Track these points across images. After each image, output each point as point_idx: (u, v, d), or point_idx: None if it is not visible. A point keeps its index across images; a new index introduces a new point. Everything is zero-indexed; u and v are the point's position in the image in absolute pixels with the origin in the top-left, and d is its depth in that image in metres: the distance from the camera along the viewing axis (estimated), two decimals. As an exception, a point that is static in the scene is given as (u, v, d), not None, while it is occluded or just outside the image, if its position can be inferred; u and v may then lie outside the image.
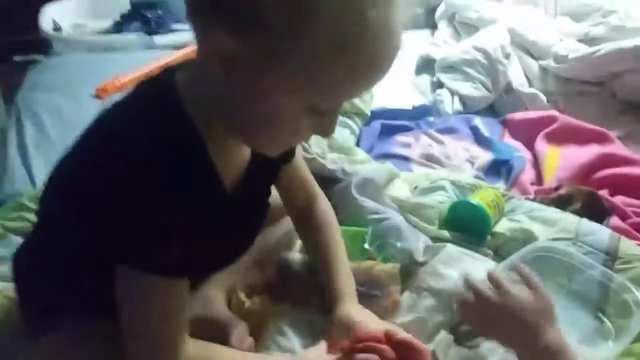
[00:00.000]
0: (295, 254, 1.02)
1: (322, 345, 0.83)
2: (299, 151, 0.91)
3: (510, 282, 0.64)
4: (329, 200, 1.17)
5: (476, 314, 0.63)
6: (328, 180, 1.21)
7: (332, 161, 1.23)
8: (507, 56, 1.88)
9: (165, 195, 0.60)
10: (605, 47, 1.69)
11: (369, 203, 1.13)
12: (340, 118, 1.57)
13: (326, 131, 0.66)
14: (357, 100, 1.64)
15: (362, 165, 1.26)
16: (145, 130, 0.62)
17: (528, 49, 1.94)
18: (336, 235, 0.93)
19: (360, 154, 1.35)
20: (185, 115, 0.63)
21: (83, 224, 0.66)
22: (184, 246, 0.62)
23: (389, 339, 0.80)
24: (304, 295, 0.95)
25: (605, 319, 0.92)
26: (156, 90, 0.66)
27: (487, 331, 0.64)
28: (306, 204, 0.94)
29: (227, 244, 0.77)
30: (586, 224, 1.06)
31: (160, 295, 0.64)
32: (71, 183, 0.69)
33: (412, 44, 2.20)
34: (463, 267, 0.97)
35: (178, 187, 0.60)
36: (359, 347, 0.79)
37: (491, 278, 0.66)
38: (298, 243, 1.04)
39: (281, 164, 0.85)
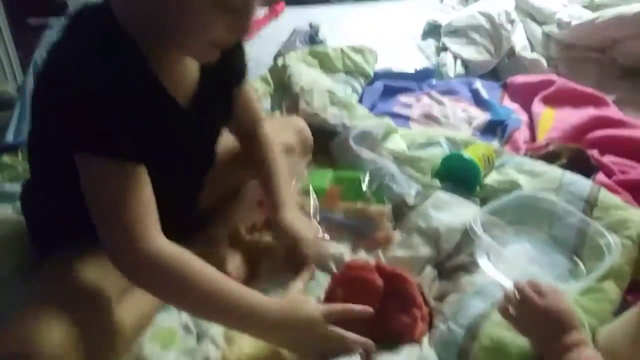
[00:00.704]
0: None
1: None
2: (250, 88, 0.97)
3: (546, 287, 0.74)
4: (329, 152, 1.26)
5: (518, 313, 0.73)
6: (328, 134, 1.28)
7: (333, 115, 1.30)
8: (511, 22, 1.91)
9: (104, 85, 0.66)
10: (606, 14, 1.71)
11: (366, 153, 1.20)
12: (343, 76, 1.64)
13: (242, 30, 0.72)
14: (360, 60, 1.69)
15: (362, 120, 1.32)
16: (84, 39, 0.69)
17: (533, 15, 1.96)
18: (277, 153, 1.00)
19: (361, 110, 1.41)
20: (115, 22, 0.70)
21: (50, 135, 0.73)
22: (130, 133, 0.68)
23: (378, 269, 0.88)
24: (280, 249, 1.01)
25: (579, 262, 0.99)
26: (93, 10, 0.73)
27: (525, 328, 0.73)
28: (251, 127, 0.99)
29: (188, 156, 0.84)
30: (569, 176, 1.12)
31: (116, 180, 0.69)
32: (34, 101, 0.77)
33: (420, 10, 2.24)
34: (451, 210, 1.05)
35: (114, 77, 0.67)
36: (351, 276, 0.87)
37: (531, 284, 0.75)
38: (296, 186, 1.11)
39: (232, 85, 0.91)
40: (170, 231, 0.73)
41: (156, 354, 0.79)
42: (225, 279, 0.75)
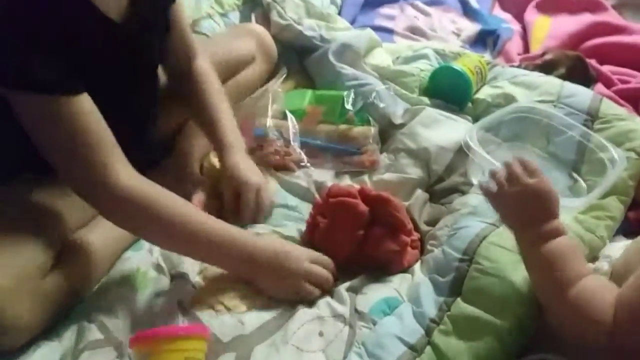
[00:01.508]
0: (270, 120, 0.99)
1: None
2: (183, 12, 0.88)
3: (523, 172, 0.65)
4: (306, 70, 1.15)
5: (501, 190, 0.65)
6: (304, 49, 1.16)
7: (309, 27, 1.17)
8: None
9: (26, 14, 0.60)
10: None
11: (347, 70, 1.09)
12: (322, -14, 1.48)
13: None
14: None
15: (342, 33, 1.19)
16: None
17: None
18: (214, 90, 0.91)
19: (340, 22, 1.28)
20: None
21: None
22: (61, 61, 0.62)
23: (362, 194, 0.80)
24: (279, 160, 0.95)
25: (579, 178, 0.93)
26: None
27: (505, 208, 0.66)
28: (186, 63, 0.90)
29: (131, 78, 0.77)
30: (569, 87, 1.03)
31: (58, 115, 0.64)
32: None
33: None
34: (441, 128, 0.96)
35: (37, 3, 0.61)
36: (333, 202, 0.79)
37: (521, 162, 0.66)
38: (273, 108, 1.01)
39: (165, 4, 0.83)
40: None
41: (125, 298, 0.72)
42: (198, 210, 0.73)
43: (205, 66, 0.92)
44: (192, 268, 0.76)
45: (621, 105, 1.07)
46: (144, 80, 0.82)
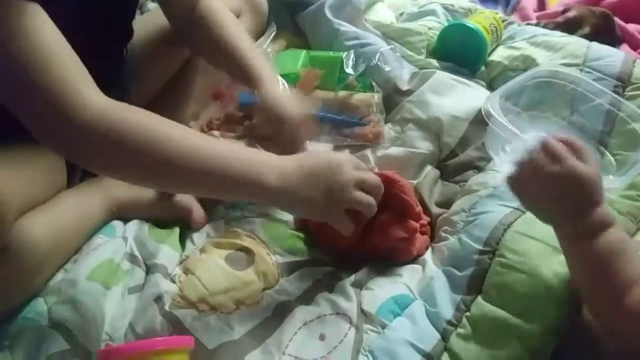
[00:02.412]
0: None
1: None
2: None
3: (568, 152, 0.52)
4: (299, 28, 1.02)
5: (535, 176, 0.52)
6: (296, 3, 1.03)
7: (302, -21, 1.04)
8: None
9: None
10: None
11: (346, 27, 0.97)
12: None
13: None
14: None
15: (339, -15, 1.06)
16: None
17: None
18: (232, 24, 0.79)
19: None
20: None
21: None
22: None
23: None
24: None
25: (606, 152, 0.83)
26: None
27: (540, 197, 0.53)
28: (188, 6, 0.77)
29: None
30: (596, 48, 0.93)
31: (7, 20, 0.49)
32: None
33: None
34: (454, 95, 0.85)
35: None
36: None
37: (563, 140, 0.53)
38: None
39: None
40: None
41: (96, 296, 0.62)
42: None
43: (215, 3, 0.79)
44: (172, 258, 0.66)
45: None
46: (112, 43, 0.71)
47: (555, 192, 0.52)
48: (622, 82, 0.87)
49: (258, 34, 0.98)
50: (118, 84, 0.75)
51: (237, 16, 0.90)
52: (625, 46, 1.06)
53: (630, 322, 0.48)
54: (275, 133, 0.74)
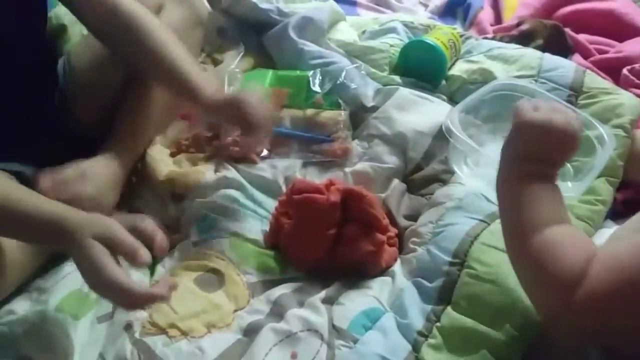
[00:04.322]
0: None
1: None
2: None
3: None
4: (263, 48, 1.03)
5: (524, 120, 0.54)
6: (260, 24, 1.04)
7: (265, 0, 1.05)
8: None
9: None
10: None
11: (310, 47, 0.98)
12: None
13: None
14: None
15: (302, 5, 1.08)
16: None
17: None
18: (154, 26, 0.73)
19: (298, -7, 1.16)
20: None
21: None
22: None
23: (331, 188, 0.71)
24: (238, 152, 0.84)
25: (564, 159, 0.86)
26: None
27: (517, 140, 0.54)
28: (107, 8, 0.71)
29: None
30: (549, 59, 0.96)
31: None
32: None
33: None
34: (417, 110, 0.87)
35: None
36: (297, 199, 0.70)
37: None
38: (229, 91, 0.90)
39: None
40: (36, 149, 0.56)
41: (65, 328, 0.61)
42: None
43: (132, 5, 0.73)
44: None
45: (602, 78, 1.01)
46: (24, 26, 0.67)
47: (538, 132, 0.52)
48: (574, 92, 0.90)
49: (189, 27, 0.89)
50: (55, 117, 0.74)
51: (159, 10, 0.84)
52: (577, 56, 1.11)
53: (530, 263, 0.47)
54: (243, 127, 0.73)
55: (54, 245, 0.60)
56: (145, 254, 0.55)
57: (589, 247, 0.47)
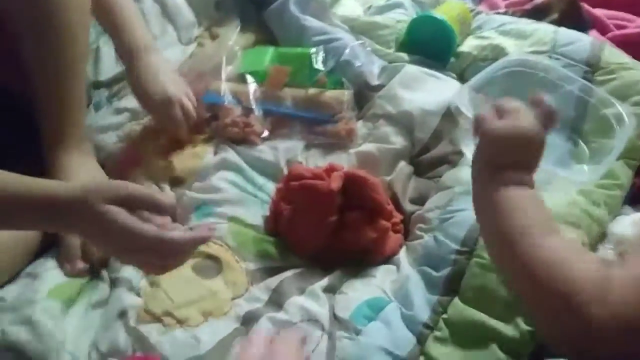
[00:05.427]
0: (225, 84, 0.85)
1: None
2: None
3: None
4: (264, 24, 0.99)
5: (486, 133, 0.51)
6: (261, 1, 1.00)
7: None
8: None
9: None
10: None
11: (313, 22, 0.94)
12: None
13: None
14: None
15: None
16: None
17: None
18: None
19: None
20: None
21: None
22: None
23: (331, 172, 0.67)
24: (238, 133, 0.81)
25: (579, 140, 0.82)
26: None
27: (485, 151, 0.51)
28: None
29: None
30: (564, 34, 0.91)
31: None
32: None
33: None
34: (424, 88, 0.83)
35: None
36: (295, 185, 0.67)
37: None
38: (227, 70, 0.86)
39: None
40: None
41: (55, 316, 0.58)
42: None
43: None
44: (137, 270, 0.63)
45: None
46: None
47: (504, 140, 0.50)
48: (591, 67, 0.85)
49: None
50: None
51: None
52: (594, 32, 1.06)
53: (527, 275, 0.42)
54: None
55: (56, 226, 0.52)
56: (168, 197, 0.50)
57: (598, 263, 0.42)
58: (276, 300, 0.60)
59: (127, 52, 0.72)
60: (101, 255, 0.64)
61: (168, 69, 0.74)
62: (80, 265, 0.63)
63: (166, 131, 0.78)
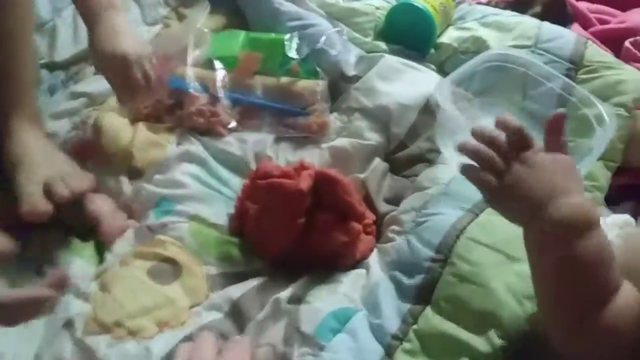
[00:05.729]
0: (191, 69, 0.79)
1: None
2: None
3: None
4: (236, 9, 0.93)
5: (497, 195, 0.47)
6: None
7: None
8: None
9: None
10: None
11: (288, 7, 0.89)
12: None
13: None
14: None
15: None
16: None
17: None
18: None
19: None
20: None
21: None
22: None
23: (300, 170, 0.63)
24: (203, 123, 0.76)
25: (559, 139, 0.80)
26: None
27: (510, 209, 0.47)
28: None
29: None
30: (548, 28, 0.88)
31: None
32: None
33: None
34: (403, 81, 0.79)
35: None
36: (262, 184, 0.62)
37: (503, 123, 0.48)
38: (194, 54, 0.81)
39: None
40: None
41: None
42: None
43: None
44: (85, 273, 0.59)
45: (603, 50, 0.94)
46: None
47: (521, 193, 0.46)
48: (574, 65, 0.83)
49: None
50: None
51: None
52: (576, 26, 1.03)
53: (605, 338, 0.42)
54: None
55: None
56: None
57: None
58: (236, 319, 0.56)
59: (90, 12, 0.66)
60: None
61: (131, 30, 0.69)
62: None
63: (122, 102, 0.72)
